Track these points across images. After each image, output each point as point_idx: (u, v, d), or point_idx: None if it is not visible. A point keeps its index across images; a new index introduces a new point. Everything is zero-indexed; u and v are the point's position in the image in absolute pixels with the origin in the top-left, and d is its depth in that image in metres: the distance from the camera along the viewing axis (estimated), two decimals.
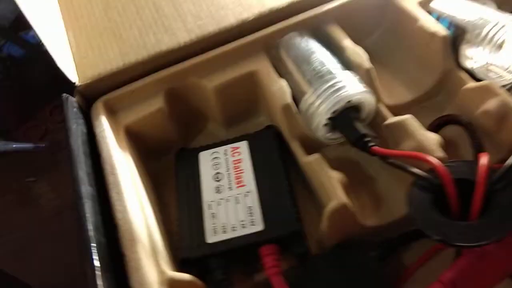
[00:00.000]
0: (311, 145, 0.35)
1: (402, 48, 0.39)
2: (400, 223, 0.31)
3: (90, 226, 0.27)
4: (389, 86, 0.38)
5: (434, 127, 0.35)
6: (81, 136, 0.32)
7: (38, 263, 0.29)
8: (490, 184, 0.25)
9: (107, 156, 0.31)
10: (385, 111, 0.35)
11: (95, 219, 0.28)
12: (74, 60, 0.36)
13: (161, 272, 0.27)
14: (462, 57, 0.36)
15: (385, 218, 0.32)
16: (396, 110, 0.35)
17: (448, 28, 0.36)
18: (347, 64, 0.35)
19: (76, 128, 0.33)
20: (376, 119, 0.35)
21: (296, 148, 0.34)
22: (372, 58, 0.36)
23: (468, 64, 0.36)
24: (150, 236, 0.29)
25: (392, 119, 0.33)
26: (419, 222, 0.26)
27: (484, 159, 0.25)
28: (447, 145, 0.32)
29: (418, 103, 0.38)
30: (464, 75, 0.36)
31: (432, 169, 0.28)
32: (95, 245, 0.26)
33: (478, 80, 0.35)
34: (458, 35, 0.36)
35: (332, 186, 0.30)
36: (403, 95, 0.38)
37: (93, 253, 0.26)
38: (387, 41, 0.40)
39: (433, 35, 0.36)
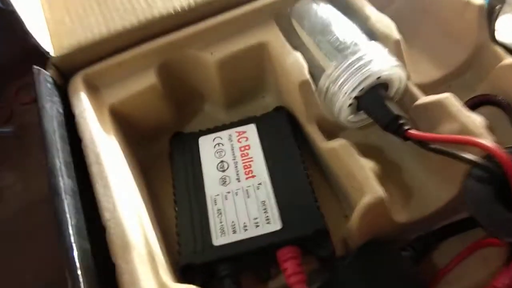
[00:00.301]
0: (329, 129, 0.31)
1: (428, 18, 0.35)
2: (432, 218, 0.28)
3: (70, 230, 0.22)
4: (414, 62, 0.34)
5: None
6: (57, 117, 0.27)
7: (2, 267, 0.25)
8: None
9: (89, 142, 0.26)
10: (414, 90, 0.30)
11: (77, 221, 0.23)
12: (48, 27, 0.31)
13: (161, 285, 0.22)
14: (499, 30, 0.32)
15: (416, 213, 0.28)
16: (422, 89, 0.31)
17: None
18: (370, 35, 0.31)
19: (51, 107, 0.27)
20: (402, 99, 0.31)
21: (314, 132, 0.30)
22: None
23: (506, 38, 0.32)
24: (146, 240, 0.24)
25: (427, 99, 0.29)
26: (483, 221, 0.22)
27: None
28: None
29: (446, 82, 0.34)
30: (501, 51, 0.32)
31: (488, 156, 0.23)
32: (76, 253, 0.21)
33: None
34: (494, 5, 0.32)
35: (365, 176, 0.26)
36: (430, 73, 0.34)
37: (75, 264, 0.21)
38: (411, 10, 0.36)
39: (466, 4, 0.32)
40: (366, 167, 0.26)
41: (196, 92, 0.34)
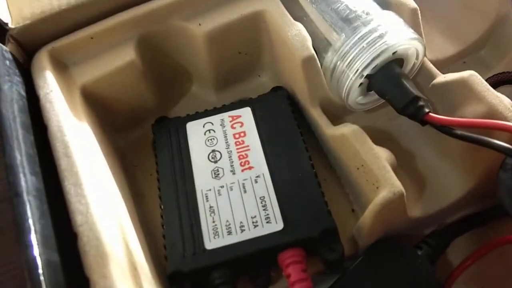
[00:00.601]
0: (332, 112, 0.28)
1: None
2: (447, 211, 0.26)
3: (33, 238, 0.18)
4: (425, 36, 0.30)
5: None
6: (17, 101, 0.23)
7: None
8: None
9: (57, 130, 0.23)
10: (431, 67, 0.27)
11: (42, 227, 0.19)
12: None
13: None
14: None
15: (431, 206, 0.26)
16: (434, 66, 0.28)
17: None
18: (383, 3, 0.27)
19: (10, 88, 0.23)
20: (415, 78, 0.28)
21: (319, 116, 0.27)
22: None
23: None
24: (127, 248, 0.20)
25: (447, 77, 0.26)
26: None
27: None
28: None
29: (460, 58, 0.32)
30: None
31: None
32: (41, 267, 0.17)
33: None
34: None
35: (381, 168, 0.23)
36: (443, 48, 0.32)
37: (39, 280, 0.17)
38: None
39: None
40: (382, 157, 0.23)
41: (182, 71, 0.31)
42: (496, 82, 0.29)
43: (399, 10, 0.27)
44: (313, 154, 0.26)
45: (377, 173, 0.23)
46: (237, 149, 0.26)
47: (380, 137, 0.28)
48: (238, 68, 0.31)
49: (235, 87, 0.32)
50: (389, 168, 0.23)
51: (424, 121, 0.23)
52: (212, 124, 0.27)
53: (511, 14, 0.29)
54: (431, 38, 0.31)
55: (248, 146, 0.26)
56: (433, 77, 0.27)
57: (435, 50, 0.31)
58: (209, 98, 0.31)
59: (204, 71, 0.30)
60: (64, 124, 0.23)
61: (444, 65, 0.30)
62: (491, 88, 0.24)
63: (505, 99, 0.24)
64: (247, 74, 0.32)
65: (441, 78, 0.26)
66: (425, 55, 0.27)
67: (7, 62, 0.25)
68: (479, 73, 0.29)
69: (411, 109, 0.24)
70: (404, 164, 0.27)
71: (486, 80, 0.29)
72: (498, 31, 0.30)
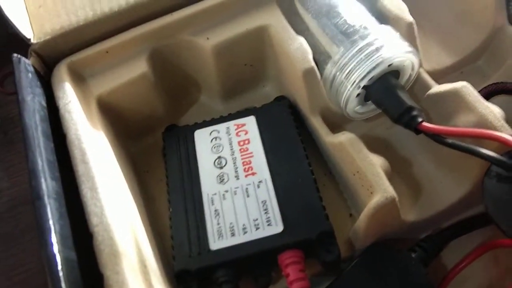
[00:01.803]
0: (333, 121, 0.29)
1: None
2: (442, 216, 0.26)
3: (53, 238, 0.19)
4: (423, 47, 0.31)
5: None
6: (39, 111, 0.25)
7: None
8: None
9: (75, 138, 0.24)
10: (427, 78, 0.28)
11: (61, 227, 0.20)
12: (27, 10, 0.29)
13: None
14: None
15: (425, 211, 0.26)
16: (432, 76, 0.29)
17: None
18: (381, 17, 0.29)
19: (32, 99, 0.25)
20: (412, 88, 0.29)
21: (319, 124, 0.28)
22: None
23: None
24: (138, 247, 0.22)
25: (441, 87, 0.27)
26: (502, 222, 0.20)
27: None
28: None
29: (457, 69, 0.32)
30: None
31: (509, 152, 0.21)
32: (60, 264, 0.19)
33: None
34: None
35: (375, 174, 0.24)
36: (440, 59, 0.32)
37: (59, 277, 0.19)
38: None
39: None
40: (376, 164, 0.24)
41: (191, 81, 0.32)
42: (491, 92, 0.30)
43: (396, 24, 0.28)
44: (313, 161, 0.27)
45: (371, 179, 0.23)
46: (241, 155, 0.27)
47: (377, 145, 0.29)
48: (244, 79, 0.32)
49: (241, 97, 0.32)
50: (382, 174, 0.24)
51: (417, 129, 0.24)
52: (218, 132, 0.28)
53: (506, 26, 0.30)
54: (428, 50, 0.32)
55: (251, 153, 0.27)
56: (428, 87, 0.27)
57: (432, 61, 0.31)
58: (216, 107, 0.32)
59: (212, 82, 0.31)
60: (82, 132, 0.24)
61: (441, 75, 0.31)
62: (482, 99, 0.25)
63: (495, 109, 0.25)
64: (253, 84, 0.32)
65: (436, 88, 0.27)
66: (420, 66, 0.28)
67: (30, 75, 0.26)
68: (476, 83, 0.30)
69: (406, 118, 0.25)
70: (401, 171, 0.28)
71: (481, 90, 0.30)
72: (495, 43, 0.31)
